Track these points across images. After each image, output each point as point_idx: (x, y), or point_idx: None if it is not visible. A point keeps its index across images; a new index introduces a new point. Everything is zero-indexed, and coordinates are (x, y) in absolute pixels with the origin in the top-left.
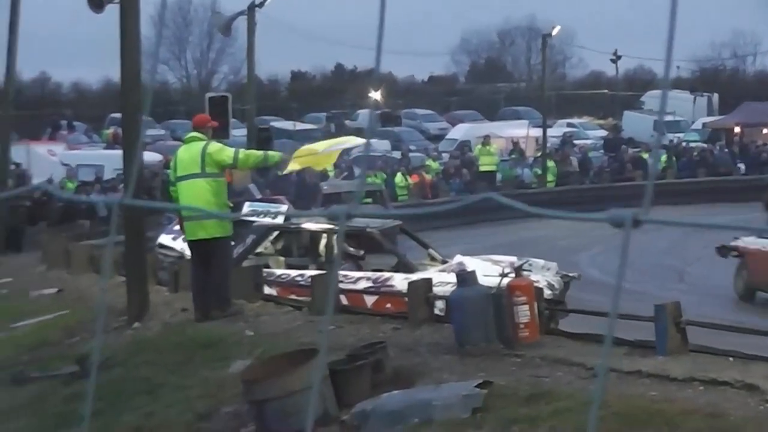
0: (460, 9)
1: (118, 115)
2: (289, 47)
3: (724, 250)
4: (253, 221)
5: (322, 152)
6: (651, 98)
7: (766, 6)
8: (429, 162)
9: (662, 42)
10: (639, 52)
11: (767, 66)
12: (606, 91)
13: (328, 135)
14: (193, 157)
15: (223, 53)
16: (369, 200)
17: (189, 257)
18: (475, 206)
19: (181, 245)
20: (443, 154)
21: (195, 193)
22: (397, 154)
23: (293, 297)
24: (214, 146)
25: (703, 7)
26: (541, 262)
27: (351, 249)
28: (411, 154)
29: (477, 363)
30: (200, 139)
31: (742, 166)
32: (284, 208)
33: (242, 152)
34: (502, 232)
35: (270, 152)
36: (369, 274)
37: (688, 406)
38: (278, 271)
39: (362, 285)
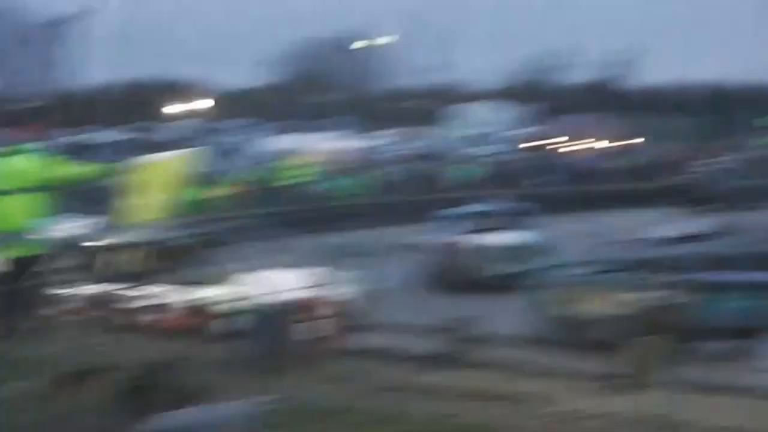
0: (283, 19)
1: None
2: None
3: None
4: (64, 237)
5: None
6: (462, 110)
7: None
8: (244, 174)
9: (481, 53)
10: (450, 64)
11: (581, 78)
12: (418, 102)
13: (137, 146)
14: (11, 171)
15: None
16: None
17: None
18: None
19: None
20: (259, 166)
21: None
22: (219, 165)
23: (77, 316)
24: (36, 160)
25: (523, 19)
26: (346, 273)
27: (145, 264)
28: (227, 166)
29: (269, 380)
30: (21, 152)
31: (556, 177)
32: (92, 224)
33: (64, 166)
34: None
35: (89, 166)
36: (159, 289)
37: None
38: (62, 290)
39: (151, 301)
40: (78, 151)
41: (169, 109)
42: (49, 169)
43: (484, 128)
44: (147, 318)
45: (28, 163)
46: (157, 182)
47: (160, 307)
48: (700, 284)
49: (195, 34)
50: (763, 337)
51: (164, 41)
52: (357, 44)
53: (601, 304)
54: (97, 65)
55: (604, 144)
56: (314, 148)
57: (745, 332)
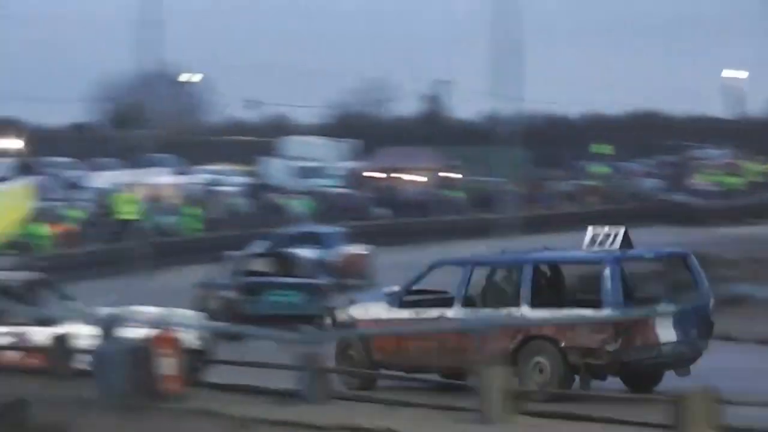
0: (92, 53)
1: None
2: None
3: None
4: None
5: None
6: (290, 143)
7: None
8: (70, 211)
9: (301, 87)
10: (277, 98)
11: (403, 112)
12: (246, 138)
13: None
14: None
15: None
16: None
17: None
18: (125, 255)
19: None
20: (85, 203)
21: None
22: (38, 204)
23: None
24: None
25: (341, 54)
26: (189, 312)
27: None
28: (52, 203)
29: (123, 417)
30: None
31: (383, 210)
32: None
33: None
34: (155, 280)
35: None
36: (10, 329)
37: None
38: None
39: (3, 340)
40: None
41: None
42: None
43: (313, 161)
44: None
45: None
46: None
47: (11, 345)
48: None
49: (5, 71)
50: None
51: None
52: (179, 77)
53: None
54: None
55: (426, 176)
56: (139, 184)
57: (284, 320)
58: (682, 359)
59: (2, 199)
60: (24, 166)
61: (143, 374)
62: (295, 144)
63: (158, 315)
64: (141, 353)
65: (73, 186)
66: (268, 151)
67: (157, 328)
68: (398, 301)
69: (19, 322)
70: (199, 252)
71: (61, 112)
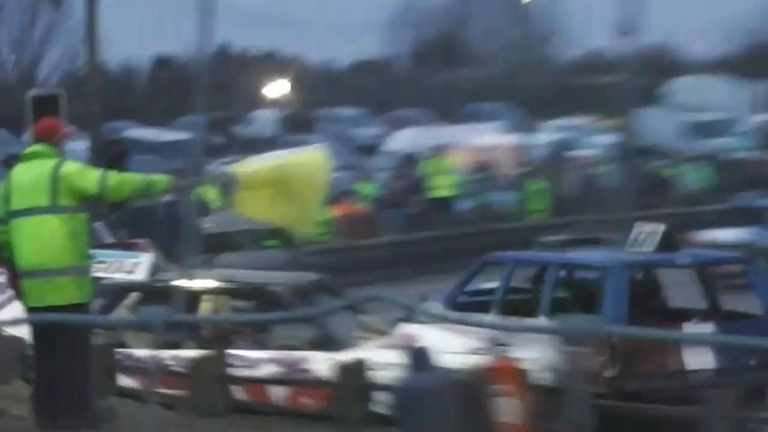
0: None
1: None
2: (152, 20)
3: None
4: (102, 278)
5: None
6: (679, 87)
7: None
8: (360, 185)
9: (691, 9)
10: (658, 24)
11: None
12: (614, 79)
13: (209, 148)
14: (39, 182)
15: (53, 31)
16: (273, 242)
17: (22, 334)
18: (431, 249)
19: None
20: (380, 174)
21: (42, 237)
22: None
23: (163, 390)
24: (71, 167)
25: None
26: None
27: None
28: (333, 175)
29: None
30: (48, 156)
31: None
32: (146, 258)
33: (112, 176)
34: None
35: (154, 177)
36: (276, 353)
37: None
38: (140, 352)
39: (266, 370)
40: (118, 156)
41: (258, 92)
42: (85, 179)
43: (713, 113)
44: (260, 393)
45: (54, 171)
46: (282, 193)
47: (278, 378)
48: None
49: None
50: None
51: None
52: None
53: None
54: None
55: None
56: (457, 147)
57: None
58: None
59: (294, 171)
60: (295, 121)
61: (473, 422)
62: (686, 87)
63: (490, 332)
64: (468, 391)
65: (365, 149)
66: (647, 98)
67: (490, 353)
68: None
69: (289, 344)
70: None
71: (344, 46)
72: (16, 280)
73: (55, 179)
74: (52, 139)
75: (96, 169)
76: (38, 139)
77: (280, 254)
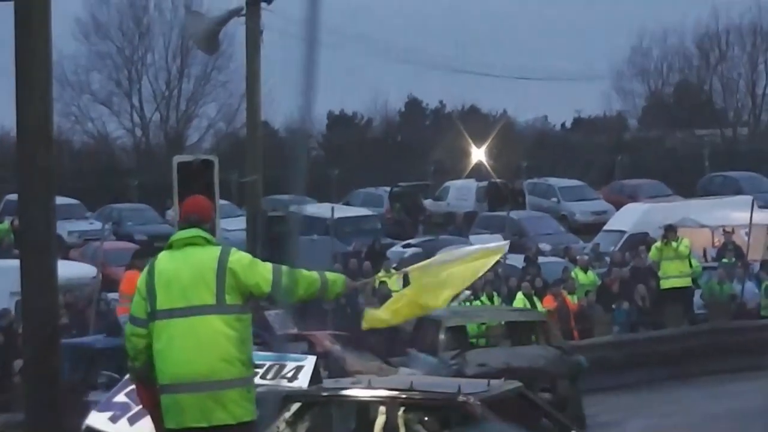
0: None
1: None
2: (324, 71)
3: None
4: (258, 385)
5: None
6: None
7: None
8: (576, 272)
9: None
10: None
11: None
12: None
13: (395, 225)
14: (201, 275)
15: (207, 83)
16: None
17: None
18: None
19: (125, 430)
20: (599, 258)
21: (205, 341)
22: (517, 260)
23: None
24: (241, 259)
25: None
26: None
27: None
28: (542, 260)
29: None
30: (206, 243)
31: None
32: (310, 361)
33: (287, 275)
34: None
35: (330, 277)
36: None
37: None
38: None
39: None
40: (280, 237)
41: (455, 156)
42: (257, 276)
43: None
44: None
45: (220, 263)
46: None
47: None
48: None
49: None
50: None
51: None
52: None
53: None
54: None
55: None
56: (696, 226)
57: None
58: None
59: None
60: (497, 192)
61: None
62: None
63: None
64: None
65: (583, 228)
66: None
67: None
68: None
69: None
70: None
71: (564, 101)
72: (149, 396)
73: (222, 273)
74: (205, 221)
75: (264, 263)
76: (188, 221)
77: (540, 350)
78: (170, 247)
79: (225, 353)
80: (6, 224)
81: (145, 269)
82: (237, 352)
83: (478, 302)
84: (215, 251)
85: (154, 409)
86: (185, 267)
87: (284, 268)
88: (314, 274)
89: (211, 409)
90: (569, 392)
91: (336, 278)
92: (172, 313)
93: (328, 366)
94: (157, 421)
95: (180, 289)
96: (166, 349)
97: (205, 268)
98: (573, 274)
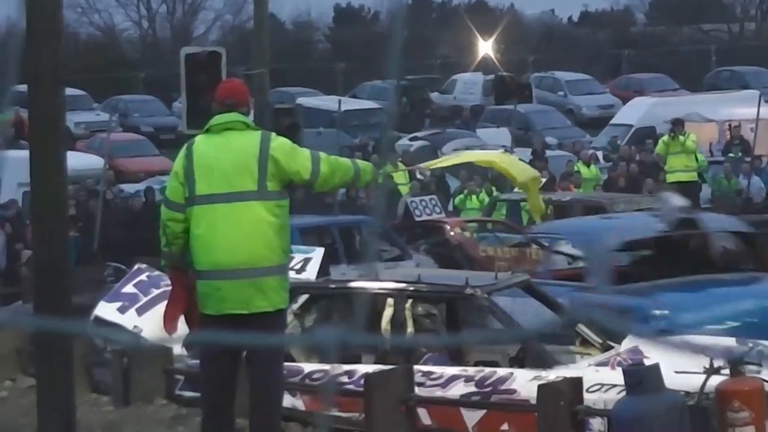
0: None
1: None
2: None
3: None
4: None
5: None
6: None
7: None
8: (578, 166)
9: None
10: None
11: None
12: None
13: (402, 119)
14: (244, 160)
15: None
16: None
17: (184, 350)
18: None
19: (134, 320)
20: (606, 153)
21: (247, 228)
22: (524, 154)
23: (336, 412)
24: (283, 145)
25: None
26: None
27: (436, 327)
28: (549, 153)
29: None
30: (247, 128)
31: None
32: (318, 253)
33: (325, 161)
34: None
35: (361, 165)
36: (471, 370)
37: None
38: (309, 366)
39: (459, 389)
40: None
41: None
42: (298, 162)
43: None
44: (452, 416)
45: (262, 149)
46: None
47: (473, 398)
48: None
49: None
50: None
51: None
52: None
53: None
54: None
55: None
56: (703, 121)
57: None
58: None
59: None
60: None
61: None
62: None
63: (731, 350)
64: (700, 417)
65: (589, 121)
66: None
67: (728, 371)
68: None
69: (487, 359)
70: None
71: None
72: (184, 281)
73: (264, 159)
74: (242, 105)
75: (303, 149)
76: (224, 105)
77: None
78: (208, 131)
79: (268, 241)
80: (5, 115)
81: (182, 153)
82: (278, 240)
83: (475, 198)
84: (256, 136)
85: (189, 293)
86: (227, 152)
87: (322, 155)
88: (347, 161)
89: (252, 296)
90: None
91: (366, 166)
92: (213, 198)
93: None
94: (190, 306)
95: (222, 174)
96: (208, 235)
97: (248, 153)
98: (575, 168)
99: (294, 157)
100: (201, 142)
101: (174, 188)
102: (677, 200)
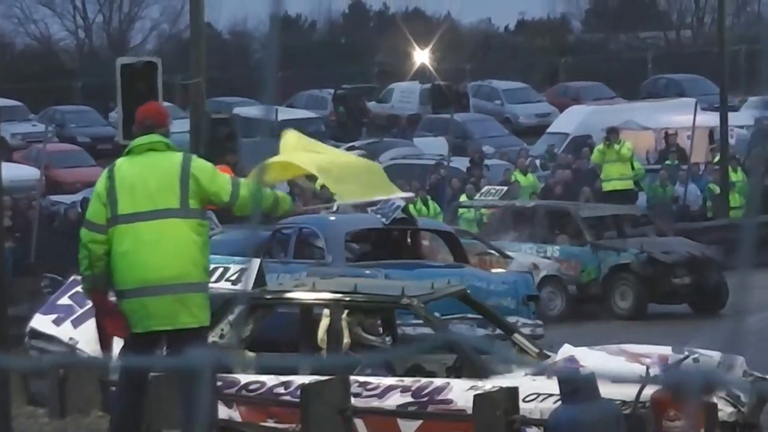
0: None
1: None
2: None
3: None
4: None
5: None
6: None
7: None
8: (515, 175)
9: None
10: None
11: None
12: None
13: (339, 128)
14: (167, 179)
15: None
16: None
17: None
18: None
19: (69, 332)
20: (543, 161)
21: (171, 245)
22: (461, 162)
23: (270, 423)
24: (203, 166)
25: None
26: (716, 355)
27: (372, 337)
28: (487, 162)
29: None
30: (167, 148)
31: None
32: (254, 264)
33: (244, 187)
34: None
35: (280, 195)
36: (407, 380)
37: None
38: (245, 378)
39: (396, 400)
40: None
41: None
42: (217, 185)
43: None
44: (389, 427)
45: (184, 168)
46: None
47: (410, 409)
48: None
49: None
50: None
51: None
52: None
53: None
54: None
55: None
56: (639, 129)
57: None
58: None
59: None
60: (442, 95)
61: None
62: None
63: (666, 358)
64: (635, 425)
65: (526, 130)
66: None
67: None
68: None
69: (423, 369)
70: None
71: (508, 4)
72: (106, 303)
73: (186, 178)
74: (161, 126)
75: (224, 174)
76: (144, 127)
77: None
78: (130, 152)
79: (193, 258)
80: None
81: (104, 175)
82: (201, 257)
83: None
84: (177, 157)
85: (111, 316)
86: (151, 171)
87: (242, 180)
88: (268, 190)
89: (177, 312)
90: None
91: (285, 197)
92: (137, 217)
93: None
94: (113, 328)
95: (146, 192)
96: (132, 252)
97: (170, 172)
98: (513, 176)
99: (214, 179)
100: (123, 163)
101: (96, 210)
102: (398, 200)
